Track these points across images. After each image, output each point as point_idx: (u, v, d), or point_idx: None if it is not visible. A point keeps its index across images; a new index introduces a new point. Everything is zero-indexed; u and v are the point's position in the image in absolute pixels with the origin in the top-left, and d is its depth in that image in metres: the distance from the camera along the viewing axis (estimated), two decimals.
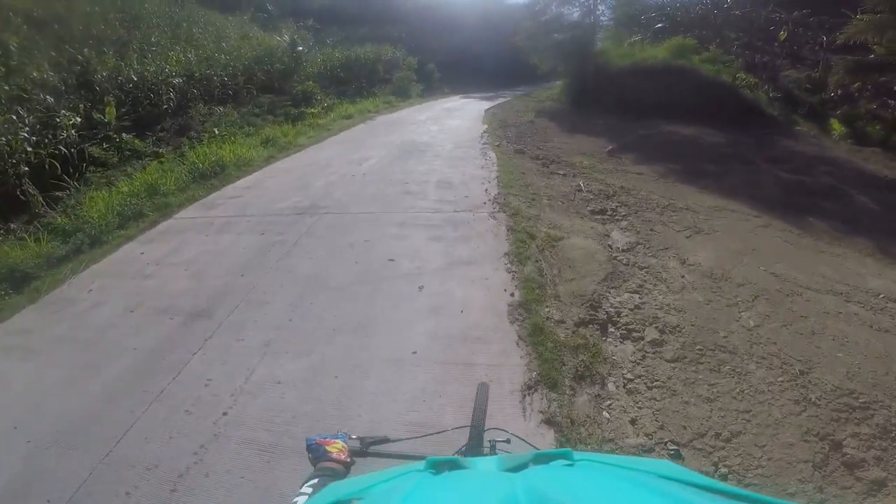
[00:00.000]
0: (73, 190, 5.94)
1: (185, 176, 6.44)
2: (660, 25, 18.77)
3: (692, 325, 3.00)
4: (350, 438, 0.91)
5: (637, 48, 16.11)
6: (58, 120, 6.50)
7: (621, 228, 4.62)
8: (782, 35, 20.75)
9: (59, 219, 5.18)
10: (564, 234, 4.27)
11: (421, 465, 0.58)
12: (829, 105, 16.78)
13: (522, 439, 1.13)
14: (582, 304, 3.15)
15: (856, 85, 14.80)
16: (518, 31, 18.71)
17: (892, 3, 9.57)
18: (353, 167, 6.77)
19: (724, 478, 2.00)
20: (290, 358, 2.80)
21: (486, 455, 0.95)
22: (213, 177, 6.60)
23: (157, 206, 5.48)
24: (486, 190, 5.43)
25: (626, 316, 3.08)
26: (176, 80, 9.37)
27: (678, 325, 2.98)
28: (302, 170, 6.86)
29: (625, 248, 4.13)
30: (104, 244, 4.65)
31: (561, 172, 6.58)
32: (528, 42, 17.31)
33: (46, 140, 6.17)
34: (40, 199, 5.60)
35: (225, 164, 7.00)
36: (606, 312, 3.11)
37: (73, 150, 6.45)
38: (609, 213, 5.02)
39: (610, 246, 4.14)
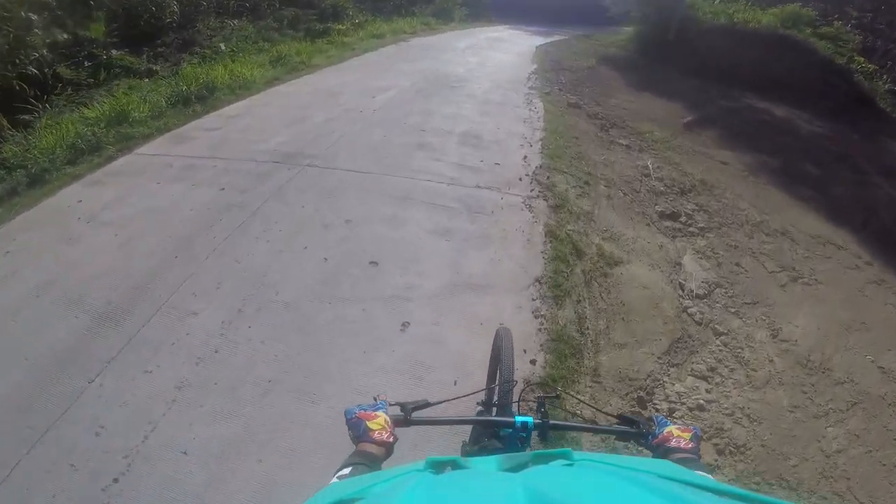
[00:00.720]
0: (41, 112, 5.04)
1: (165, 100, 5.26)
2: None
3: (762, 447, 2.08)
4: (390, 405, 0.81)
5: (735, 8, 13.10)
6: (28, 39, 5.63)
7: (698, 252, 3.33)
8: None
9: (8, 148, 4.19)
10: (624, 253, 3.04)
11: (421, 464, 0.58)
12: None
13: (572, 394, 1.33)
14: (627, 393, 2.08)
15: None
16: None
17: None
18: (366, 100, 5.42)
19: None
20: (204, 415, 1.88)
21: (520, 410, 0.95)
22: (198, 101, 5.39)
23: (121, 136, 4.37)
24: (525, 158, 4.11)
25: (683, 417, 2.03)
26: None
27: (745, 445, 2.06)
28: (305, 98, 5.54)
29: (701, 291, 2.92)
30: (46, 184, 3.63)
31: (623, 142, 5.10)
32: None
33: (17, 60, 5.41)
34: (5, 122, 4.71)
35: (216, 86, 5.72)
36: (656, 408, 2.05)
37: (46, 70, 5.68)
38: (683, 220, 3.69)
39: (681, 286, 2.92)
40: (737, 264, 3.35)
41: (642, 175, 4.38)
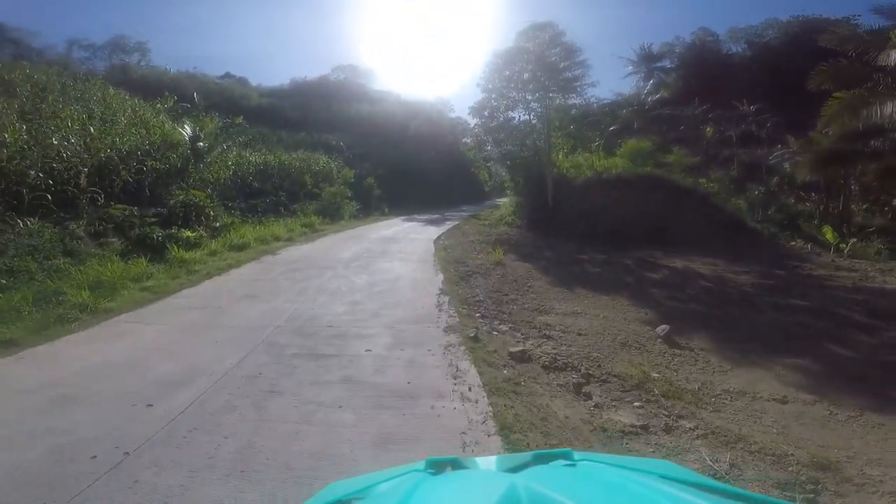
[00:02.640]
0: None
1: None
2: (614, 128, 17.71)
3: None
4: None
5: (588, 157, 14.23)
6: None
7: None
8: (709, 131, 20.43)
9: None
10: None
11: (421, 464, 0.54)
12: (760, 209, 15.42)
13: None
14: None
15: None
16: (463, 144, 16.91)
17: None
18: (126, 422, 2.22)
19: None
20: None
21: None
22: None
23: None
24: None
25: None
26: None
27: None
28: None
29: None
30: None
31: (629, 419, 2.69)
32: (477, 151, 15.25)
33: None
34: None
35: None
36: None
37: None
38: None
39: None
40: None
41: None
